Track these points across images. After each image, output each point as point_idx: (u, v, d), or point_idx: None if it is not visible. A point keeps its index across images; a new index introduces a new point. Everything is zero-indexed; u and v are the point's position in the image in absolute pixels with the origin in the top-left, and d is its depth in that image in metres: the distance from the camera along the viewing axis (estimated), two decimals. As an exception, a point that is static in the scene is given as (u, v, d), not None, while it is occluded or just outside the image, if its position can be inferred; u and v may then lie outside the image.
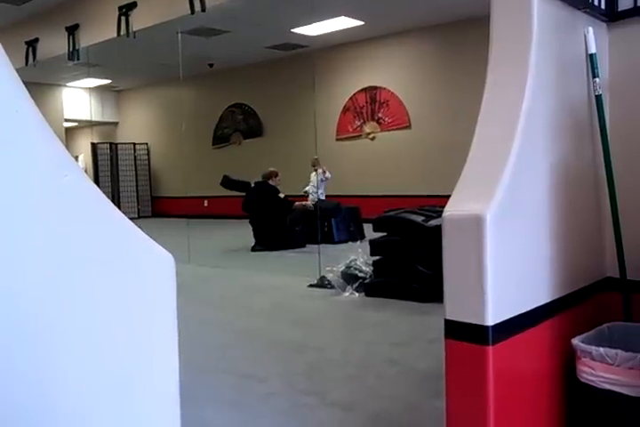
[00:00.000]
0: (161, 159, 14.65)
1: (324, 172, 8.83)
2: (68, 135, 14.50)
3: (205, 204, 12.76)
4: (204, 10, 6.65)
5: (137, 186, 14.73)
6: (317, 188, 8.89)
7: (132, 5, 7.54)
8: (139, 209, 14.43)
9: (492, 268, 1.50)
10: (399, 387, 2.72)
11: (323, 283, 5.10)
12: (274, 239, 7.84)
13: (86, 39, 8.53)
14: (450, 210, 1.58)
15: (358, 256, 4.93)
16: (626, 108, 2.12)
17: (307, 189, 9.05)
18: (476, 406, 1.53)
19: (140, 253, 1.27)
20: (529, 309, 1.68)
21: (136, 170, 14.79)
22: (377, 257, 4.81)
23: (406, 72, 10.60)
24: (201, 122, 12.80)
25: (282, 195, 8.26)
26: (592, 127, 2.09)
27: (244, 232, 8.24)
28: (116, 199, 13.62)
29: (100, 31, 8.16)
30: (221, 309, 4.57)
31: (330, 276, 5.00)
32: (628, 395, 1.65)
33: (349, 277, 4.85)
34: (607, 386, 1.70)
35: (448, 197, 1.62)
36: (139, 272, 1.26)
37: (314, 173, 9.19)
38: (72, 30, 8.60)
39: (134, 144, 14.81)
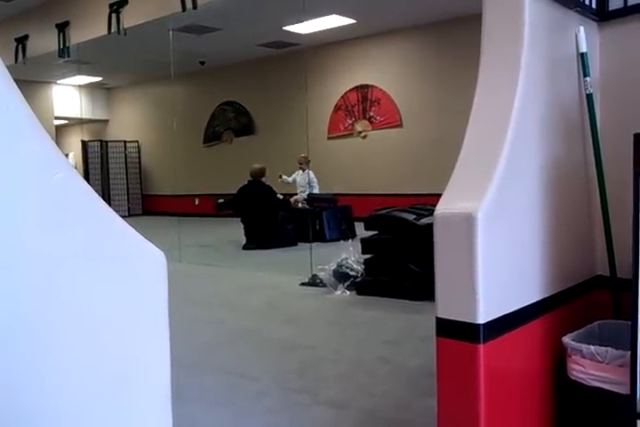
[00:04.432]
0: (152, 157, 14.60)
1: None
2: (59, 133, 14.44)
3: (196, 202, 12.73)
4: (195, 7, 6.63)
5: (127, 184, 14.67)
6: (306, 187, 8.92)
7: (123, 2, 7.50)
8: (129, 207, 14.38)
9: (483, 266, 1.51)
10: (391, 385, 2.73)
11: (314, 281, 5.11)
12: (265, 238, 7.84)
13: (77, 36, 8.48)
14: (441, 208, 1.59)
15: (350, 255, 4.94)
16: (616, 106, 2.13)
17: (286, 179, 9.12)
18: (467, 403, 1.53)
19: (131, 251, 1.27)
20: (520, 307, 1.69)
21: (126, 168, 14.73)
22: (368, 255, 4.82)
23: (398, 70, 10.61)
24: (192, 120, 12.76)
25: (280, 195, 8.26)
26: (583, 126, 2.10)
27: (235, 231, 8.23)
28: (106, 197, 13.55)
29: (90, 28, 8.11)
30: (213, 307, 4.57)
31: (321, 274, 5.01)
32: (617, 393, 1.66)
33: (341, 276, 4.85)
34: (597, 384, 1.71)
35: (439, 195, 1.62)
36: (130, 270, 1.26)
37: (300, 171, 9.19)
38: (62, 27, 8.55)
39: (125, 142, 14.75)
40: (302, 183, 9.15)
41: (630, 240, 1.52)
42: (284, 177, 9.18)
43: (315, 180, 9.14)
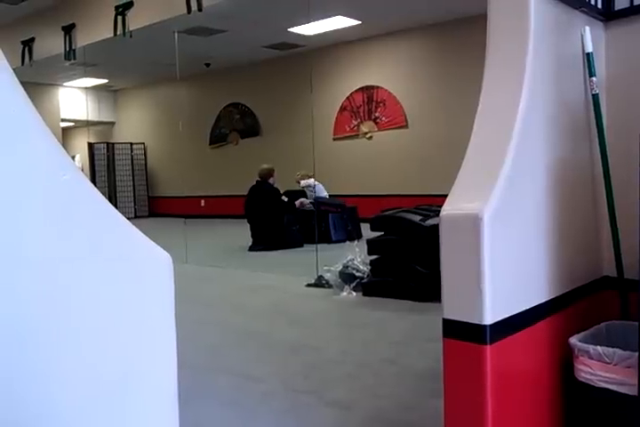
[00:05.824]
0: (158, 159, 14.64)
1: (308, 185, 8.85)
2: (65, 135, 14.49)
3: (202, 203, 12.76)
4: (200, 9, 6.65)
5: (134, 186, 14.71)
6: (315, 192, 8.85)
7: (129, 5, 7.53)
8: (135, 209, 14.42)
9: (490, 267, 1.50)
10: (397, 386, 2.72)
11: (320, 282, 5.10)
12: (271, 239, 7.84)
13: (83, 39, 8.52)
14: (447, 209, 1.58)
15: (356, 256, 4.94)
16: (623, 106, 2.12)
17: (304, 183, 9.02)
18: (474, 405, 1.53)
19: (137, 253, 1.27)
20: (526, 308, 1.68)
21: (133, 170, 14.77)
22: (374, 256, 4.81)
23: (403, 71, 10.61)
24: (198, 121, 12.79)
25: (285, 198, 8.23)
26: (589, 126, 2.09)
27: (241, 232, 8.23)
28: (112, 199, 13.60)
29: (96, 31, 8.15)
30: (219, 308, 4.57)
31: (327, 275, 5.00)
32: (625, 394, 1.65)
33: (347, 277, 4.85)
34: (605, 385, 1.70)
35: (445, 196, 1.62)
36: (136, 272, 1.26)
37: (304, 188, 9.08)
38: (68, 30, 8.59)
39: (131, 144, 14.80)
40: (312, 196, 9.05)
41: (637, 241, 1.51)
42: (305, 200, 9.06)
43: (317, 188, 8.98)
